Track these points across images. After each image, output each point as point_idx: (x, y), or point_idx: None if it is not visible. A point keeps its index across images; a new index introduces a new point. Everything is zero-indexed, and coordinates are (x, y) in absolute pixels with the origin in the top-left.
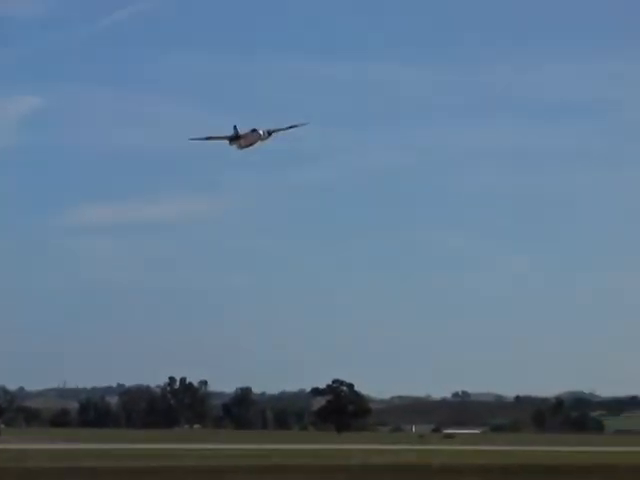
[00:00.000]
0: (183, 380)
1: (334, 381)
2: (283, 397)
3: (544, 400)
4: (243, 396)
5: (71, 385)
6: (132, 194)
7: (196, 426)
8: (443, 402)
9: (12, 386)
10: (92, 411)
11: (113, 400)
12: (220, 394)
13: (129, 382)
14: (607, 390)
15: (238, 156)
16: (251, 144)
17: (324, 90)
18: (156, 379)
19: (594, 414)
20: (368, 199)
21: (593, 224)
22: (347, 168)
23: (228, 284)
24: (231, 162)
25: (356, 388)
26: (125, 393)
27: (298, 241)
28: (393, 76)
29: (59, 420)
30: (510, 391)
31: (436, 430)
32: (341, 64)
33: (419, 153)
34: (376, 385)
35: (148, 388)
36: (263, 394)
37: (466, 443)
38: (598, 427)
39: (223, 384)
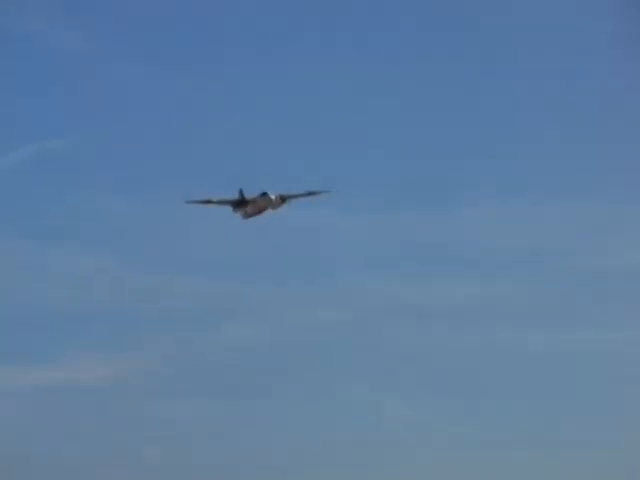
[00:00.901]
0: None
1: None
2: None
3: None
4: None
5: None
6: (29, 356)
7: None
8: None
9: None
10: None
11: None
12: None
13: None
14: None
15: (145, 314)
16: (260, 211)
17: (242, 241)
18: None
19: None
20: (290, 357)
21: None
22: (266, 325)
23: (137, 455)
24: (137, 320)
25: None
26: None
27: (213, 404)
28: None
29: None
30: None
31: None
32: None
33: (346, 308)
34: None
35: None
36: None
37: None
38: None
39: None
